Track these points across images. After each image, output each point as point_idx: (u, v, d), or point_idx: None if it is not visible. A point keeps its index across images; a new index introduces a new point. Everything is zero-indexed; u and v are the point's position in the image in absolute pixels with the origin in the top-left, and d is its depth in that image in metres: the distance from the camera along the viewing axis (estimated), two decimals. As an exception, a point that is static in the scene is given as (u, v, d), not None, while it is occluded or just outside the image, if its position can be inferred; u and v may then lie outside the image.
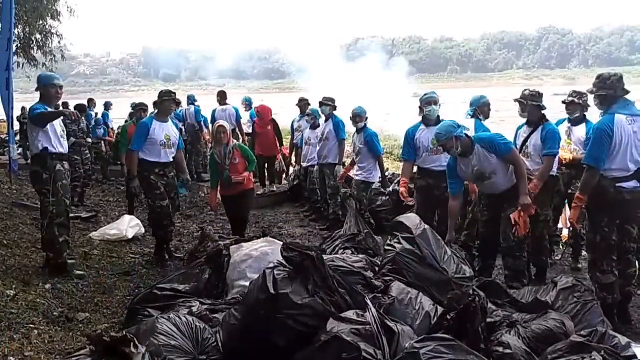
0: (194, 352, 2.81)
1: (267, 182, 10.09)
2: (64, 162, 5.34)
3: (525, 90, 5.51)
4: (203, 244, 4.73)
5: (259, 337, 2.79)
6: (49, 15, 11.75)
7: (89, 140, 10.76)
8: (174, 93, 6.39)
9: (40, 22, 11.62)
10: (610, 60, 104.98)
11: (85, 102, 12.10)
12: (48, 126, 5.14)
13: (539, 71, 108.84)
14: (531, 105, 5.25)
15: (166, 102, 6.14)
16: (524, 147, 5.31)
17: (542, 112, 5.26)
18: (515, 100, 5.48)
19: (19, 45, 11.07)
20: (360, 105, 7.30)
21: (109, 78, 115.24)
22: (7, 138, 10.13)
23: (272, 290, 2.77)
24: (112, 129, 14.25)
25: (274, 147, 9.77)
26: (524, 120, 5.41)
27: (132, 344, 2.50)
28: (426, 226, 3.91)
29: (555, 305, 3.50)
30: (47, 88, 5.26)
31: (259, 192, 9.34)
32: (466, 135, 4.61)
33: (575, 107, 5.76)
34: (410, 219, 3.98)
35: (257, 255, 3.96)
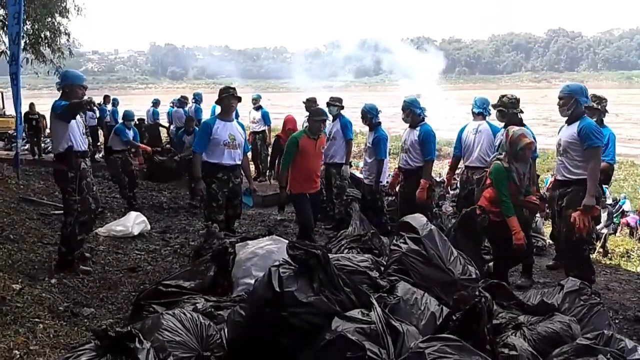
0: (198, 348, 2.81)
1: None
2: (86, 160, 5.34)
3: (503, 97, 5.77)
4: (209, 241, 4.74)
5: (263, 335, 2.78)
6: (58, 12, 11.81)
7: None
8: (234, 89, 6.13)
9: (49, 19, 11.68)
10: (619, 64, 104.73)
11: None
12: (72, 124, 5.11)
13: (548, 74, 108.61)
14: (511, 112, 5.58)
15: (225, 99, 5.96)
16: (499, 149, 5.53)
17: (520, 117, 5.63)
18: (495, 107, 5.81)
19: (27, 41, 11.13)
20: (370, 104, 7.19)
21: (117, 75, 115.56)
22: (15, 134, 10.24)
23: (277, 288, 2.76)
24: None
25: None
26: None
27: (137, 339, 2.50)
28: (433, 227, 3.90)
29: (561, 308, 3.48)
30: (75, 88, 5.21)
31: (282, 217, 8.72)
32: (586, 108, 4.78)
33: (594, 112, 5.80)
34: (417, 220, 3.97)
35: (262, 253, 3.96)
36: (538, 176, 6.23)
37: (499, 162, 4.68)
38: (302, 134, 6.00)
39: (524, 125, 5.49)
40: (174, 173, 10.72)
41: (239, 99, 6.14)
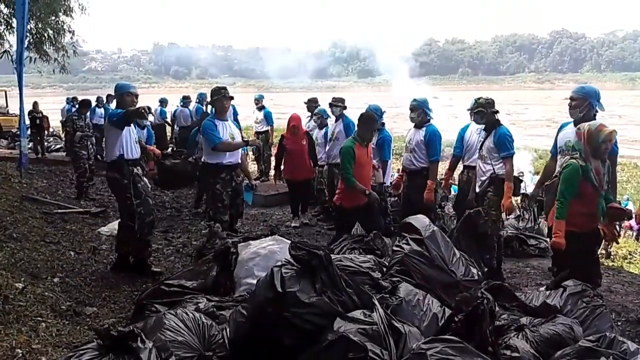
0: (200, 348, 2.81)
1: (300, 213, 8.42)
2: (138, 167, 5.40)
3: (479, 99, 5.85)
4: (211, 241, 4.74)
5: (265, 335, 2.78)
6: (62, 11, 11.83)
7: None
8: (225, 88, 6.13)
9: (53, 18, 11.70)
10: (623, 65, 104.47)
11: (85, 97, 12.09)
12: (124, 133, 5.20)
13: (551, 75, 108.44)
14: (490, 113, 5.63)
15: (218, 100, 5.96)
16: (480, 151, 5.68)
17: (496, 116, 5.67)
18: (474, 109, 5.84)
19: (31, 40, 11.15)
20: (374, 105, 7.17)
21: (120, 75, 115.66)
22: (19, 132, 10.26)
23: (279, 289, 2.76)
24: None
25: (308, 168, 8.22)
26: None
27: (139, 338, 2.50)
28: (435, 228, 3.89)
29: (564, 310, 3.46)
30: (124, 96, 5.36)
31: (296, 225, 8.20)
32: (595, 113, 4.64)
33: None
34: (419, 221, 3.96)
35: (265, 253, 3.96)
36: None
37: (574, 160, 4.17)
38: (354, 142, 5.70)
39: (501, 124, 5.61)
40: (189, 177, 9.54)
41: (231, 98, 6.19)
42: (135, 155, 5.36)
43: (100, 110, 14.15)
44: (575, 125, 4.71)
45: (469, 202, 5.86)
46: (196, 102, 13.10)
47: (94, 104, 14.34)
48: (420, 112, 6.27)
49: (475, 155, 6.22)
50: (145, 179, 5.46)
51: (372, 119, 5.88)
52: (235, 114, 10.35)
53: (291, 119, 8.13)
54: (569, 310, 3.47)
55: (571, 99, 4.69)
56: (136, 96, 5.44)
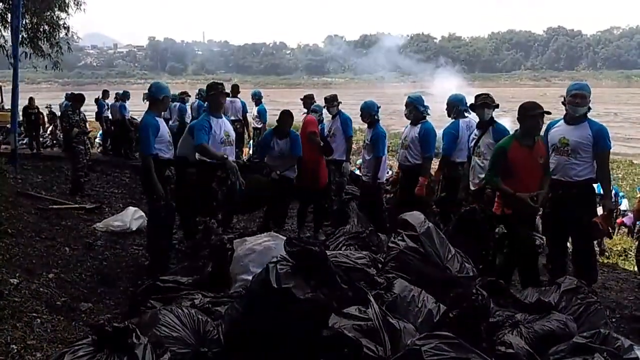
0: (195, 344, 2.81)
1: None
2: (171, 168, 5.39)
3: (483, 94, 5.82)
4: (207, 237, 4.74)
5: (260, 331, 2.79)
6: (57, 7, 11.77)
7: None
8: (221, 84, 5.98)
9: (48, 13, 11.64)
10: (619, 63, 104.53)
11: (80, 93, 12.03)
12: (160, 133, 5.22)
13: (547, 72, 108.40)
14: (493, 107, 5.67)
15: (214, 96, 5.79)
16: (476, 147, 5.65)
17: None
18: (481, 103, 5.73)
19: (26, 36, 11.09)
20: (370, 101, 7.10)
21: (116, 70, 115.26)
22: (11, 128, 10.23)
23: (275, 285, 2.76)
24: (133, 117, 14.28)
25: (324, 176, 7.17)
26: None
27: (134, 334, 2.50)
28: (430, 224, 3.90)
29: (558, 307, 3.48)
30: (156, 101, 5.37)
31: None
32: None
33: None
34: (415, 217, 3.97)
35: (260, 249, 3.96)
36: None
37: None
38: (511, 141, 4.67)
39: (496, 121, 5.66)
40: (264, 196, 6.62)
41: (227, 95, 6.12)
42: (168, 156, 5.33)
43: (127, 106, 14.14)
44: (568, 122, 4.69)
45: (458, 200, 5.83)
46: (197, 98, 12.96)
47: (113, 99, 14.34)
48: (411, 109, 6.30)
49: (464, 151, 6.19)
50: (173, 183, 5.40)
51: (531, 106, 4.60)
52: (244, 110, 10.37)
53: (308, 124, 7.05)
54: (563, 307, 3.49)
55: (579, 96, 4.65)
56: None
